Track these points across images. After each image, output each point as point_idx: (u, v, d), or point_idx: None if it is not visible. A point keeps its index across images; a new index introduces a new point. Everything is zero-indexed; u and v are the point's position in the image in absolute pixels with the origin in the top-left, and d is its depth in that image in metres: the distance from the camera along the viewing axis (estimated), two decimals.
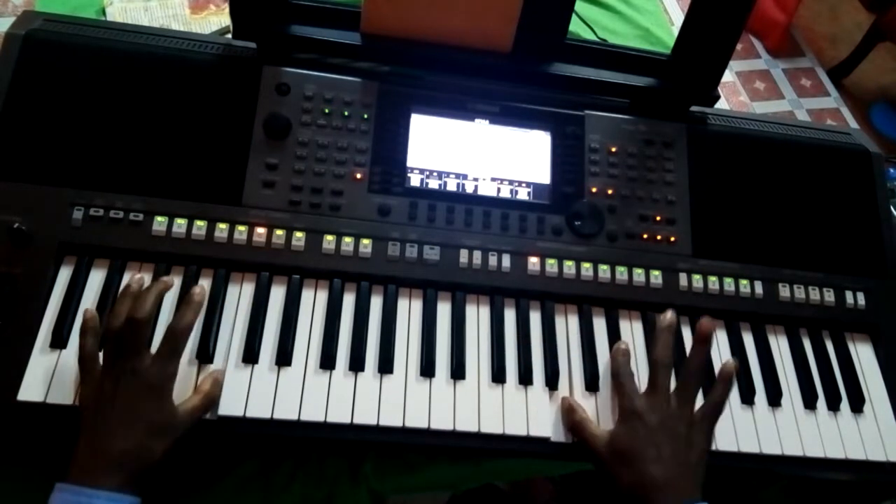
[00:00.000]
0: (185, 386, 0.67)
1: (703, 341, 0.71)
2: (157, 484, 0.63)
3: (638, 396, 0.70)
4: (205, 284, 0.73)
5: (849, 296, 0.85)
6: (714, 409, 0.70)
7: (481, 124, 0.85)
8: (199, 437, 0.68)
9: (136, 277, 0.67)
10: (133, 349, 0.62)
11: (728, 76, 2.32)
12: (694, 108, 0.91)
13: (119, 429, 0.60)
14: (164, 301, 0.69)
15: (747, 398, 0.78)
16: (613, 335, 0.79)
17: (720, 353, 0.81)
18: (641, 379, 0.77)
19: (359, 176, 0.79)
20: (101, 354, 0.65)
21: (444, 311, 0.77)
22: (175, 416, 0.63)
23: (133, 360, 0.62)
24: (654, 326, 0.78)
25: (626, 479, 0.66)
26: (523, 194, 0.83)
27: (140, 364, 0.62)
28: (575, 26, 1.10)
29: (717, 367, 0.74)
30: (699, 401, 0.71)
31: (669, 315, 0.74)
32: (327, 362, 0.72)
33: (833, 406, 0.80)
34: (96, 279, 0.72)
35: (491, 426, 0.71)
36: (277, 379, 0.70)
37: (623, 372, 0.73)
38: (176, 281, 0.73)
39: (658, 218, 0.84)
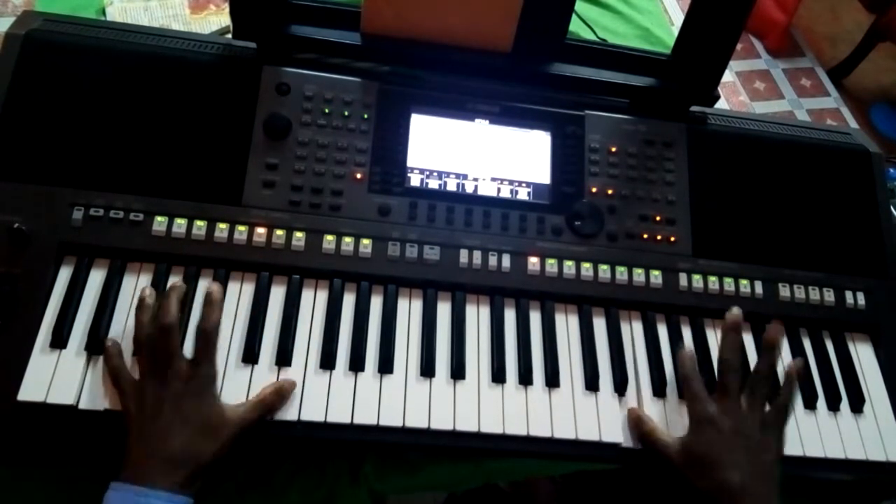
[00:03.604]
0: None
1: (771, 347, 0.72)
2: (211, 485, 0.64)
3: (710, 402, 0.71)
4: (204, 286, 0.73)
5: (849, 296, 0.85)
6: (784, 412, 0.71)
7: (481, 124, 0.85)
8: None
9: (144, 291, 0.69)
10: (167, 354, 0.64)
11: (728, 76, 2.32)
12: (694, 108, 0.91)
13: (170, 431, 0.61)
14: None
15: None
16: (613, 335, 0.79)
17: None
18: (642, 379, 0.77)
19: (359, 176, 0.79)
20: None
21: (444, 311, 0.77)
22: (224, 417, 0.64)
23: (171, 364, 0.64)
24: (652, 325, 0.80)
25: (703, 485, 0.67)
26: (523, 194, 0.83)
27: (179, 367, 0.64)
28: (575, 26, 1.10)
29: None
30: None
31: (735, 311, 0.75)
32: (327, 362, 0.72)
33: (833, 406, 0.80)
34: (96, 279, 0.72)
35: (491, 426, 0.71)
36: (277, 379, 0.70)
37: (693, 377, 0.73)
38: (176, 281, 0.73)
39: (658, 218, 0.84)
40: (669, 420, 0.75)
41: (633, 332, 0.80)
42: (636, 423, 0.74)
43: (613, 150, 0.85)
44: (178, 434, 0.62)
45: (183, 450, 0.61)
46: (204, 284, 0.74)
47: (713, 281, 0.82)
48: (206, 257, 0.74)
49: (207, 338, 0.66)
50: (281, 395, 0.68)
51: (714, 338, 0.81)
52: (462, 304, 0.77)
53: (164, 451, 0.61)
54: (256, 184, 0.77)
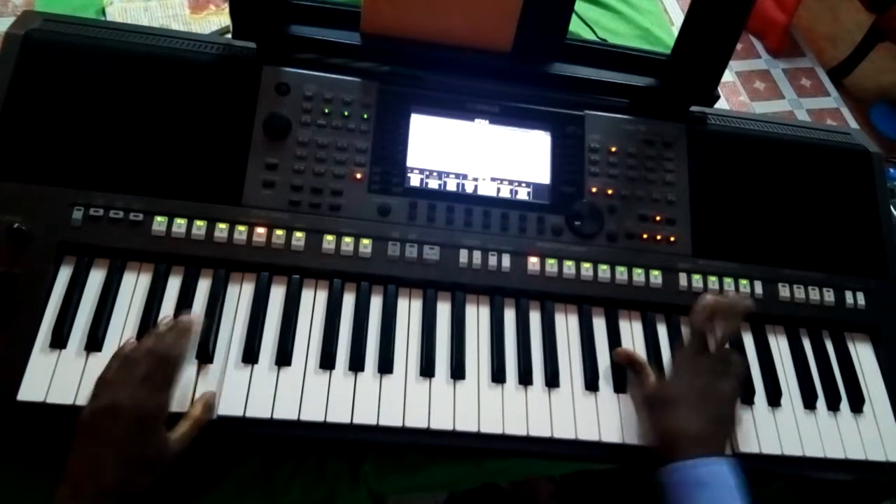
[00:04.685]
0: (182, 388, 0.67)
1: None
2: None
3: (696, 356, 0.74)
4: (204, 286, 0.74)
5: (849, 296, 0.85)
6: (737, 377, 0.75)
7: (481, 124, 0.85)
8: (198, 437, 0.68)
9: (162, 321, 0.66)
10: (155, 385, 0.61)
11: (728, 76, 2.32)
12: (694, 108, 0.91)
13: (110, 463, 0.59)
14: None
15: (747, 398, 0.78)
16: (613, 335, 0.79)
17: None
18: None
19: (359, 176, 0.79)
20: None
21: (443, 311, 0.77)
22: (164, 449, 0.62)
23: (148, 394, 0.60)
24: (652, 325, 0.81)
25: (661, 424, 0.71)
26: (523, 194, 0.83)
27: (148, 399, 0.61)
28: (575, 26, 1.10)
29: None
30: None
31: (709, 297, 0.76)
32: (327, 362, 0.72)
33: (833, 406, 0.80)
34: (96, 279, 0.72)
35: (491, 426, 0.71)
36: (277, 379, 0.70)
37: (700, 328, 0.74)
38: (176, 281, 0.74)
39: (658, 218, 0.84)
40: None
41: (633, 332, 0.80)
42: (628, 354, 0.76)
43: (613, 150, 0.85)
44: (118, 469, 0.59)
45: (118, 484, 0.59)
46: (204, 284, 0.74)
47: (713, 281, 0.82)
48: (206, 257, 0.74)
49: (166, 365, 0.62)
50: (209, 407, 0.67)
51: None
52: (462, 304, 0.77)
53: (99, 482, 0.58)
54: (256, 184, 0.77)
